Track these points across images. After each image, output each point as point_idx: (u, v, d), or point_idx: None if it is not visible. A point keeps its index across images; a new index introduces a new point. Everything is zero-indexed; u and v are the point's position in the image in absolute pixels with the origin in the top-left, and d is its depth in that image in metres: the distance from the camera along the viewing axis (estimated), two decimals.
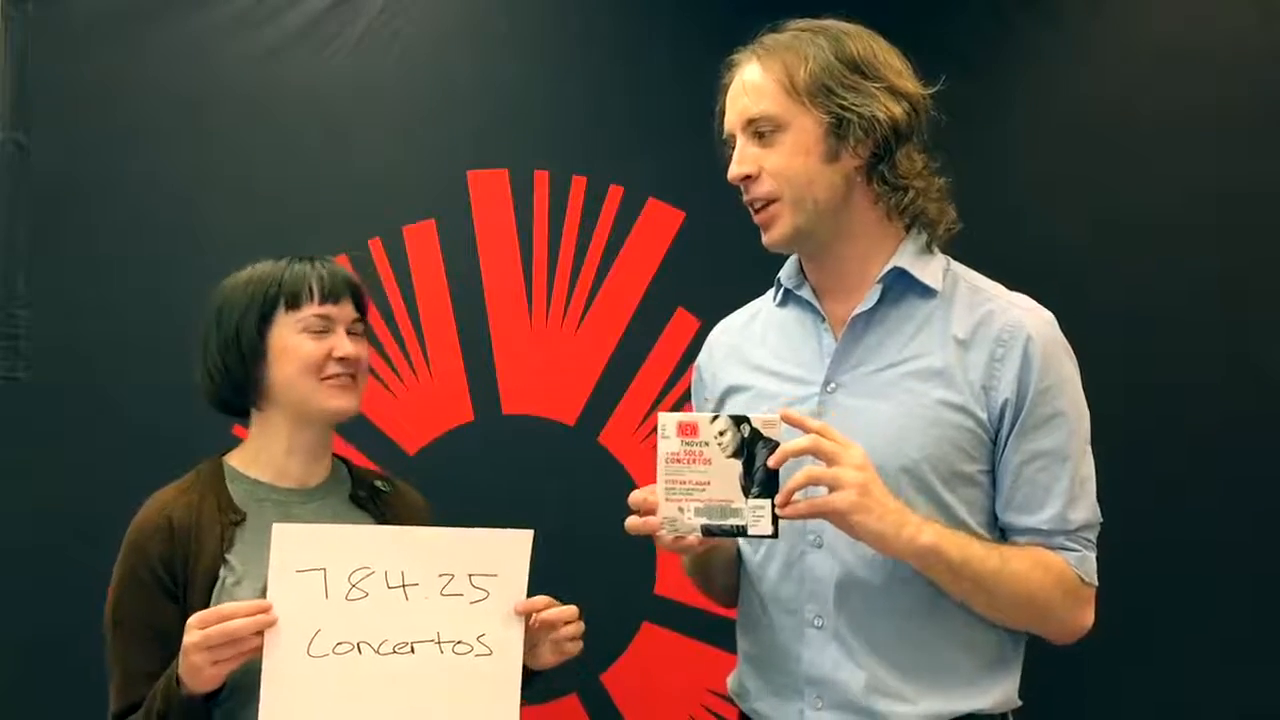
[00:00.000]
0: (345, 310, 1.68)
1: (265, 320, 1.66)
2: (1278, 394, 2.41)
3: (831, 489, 1.37)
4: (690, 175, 2.44)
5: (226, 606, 1.45)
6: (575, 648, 1.60)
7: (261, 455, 1.69)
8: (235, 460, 1.70)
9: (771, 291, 1.68)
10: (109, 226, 2.41)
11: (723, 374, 1.66)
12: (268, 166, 2.45)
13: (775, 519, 1.38)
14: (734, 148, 1.54)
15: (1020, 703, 1.54)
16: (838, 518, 1.38)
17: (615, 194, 2.50)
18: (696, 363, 1.74)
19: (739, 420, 1.39)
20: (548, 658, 1.59)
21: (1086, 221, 2.46)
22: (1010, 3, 2.49)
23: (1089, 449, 1.51)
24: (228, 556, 1.59)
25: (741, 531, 1.38)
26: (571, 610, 1.58)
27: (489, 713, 1.51)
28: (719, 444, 1.39)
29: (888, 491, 1.40)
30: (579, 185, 2.49)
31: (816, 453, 1.37)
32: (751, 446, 1.38)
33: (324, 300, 1.66)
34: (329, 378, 1.65)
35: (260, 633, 1.44)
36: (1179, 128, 2.46)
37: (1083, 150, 2.48)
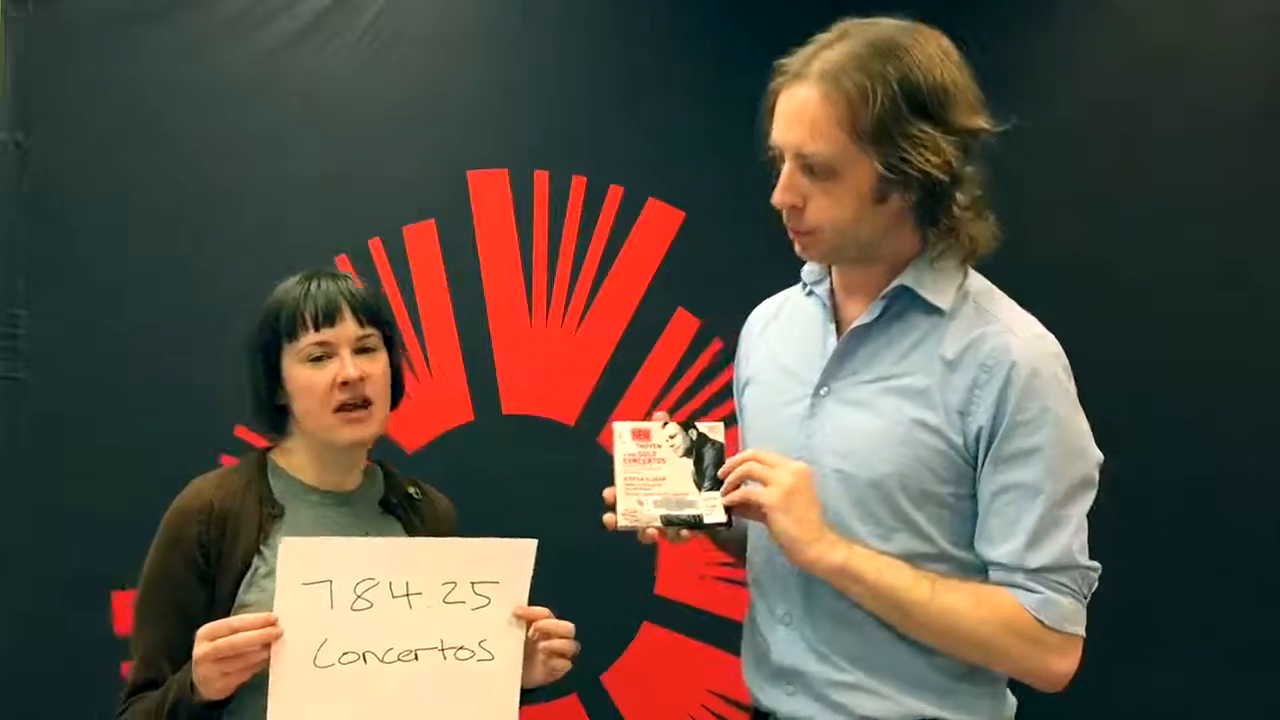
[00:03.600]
0: (345, 330, 1.64)
1: (272, 355, 1.66)
2: (1276, 396, 2.41)
3: (763, 485, 1.44)
4: (690, 175, 2.46)
5: (235, 620, 1.46)
6: (563, 665, 1.59)
7: (296, 460, 1.71)
8: (278, 456, 1.72)
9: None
10: (109, 227, 2.41)
11: (749, 362, 1.69)
12: (267, 166, 2.45)
13: (729, 508, 1.48)
14: (778, 158, 1.46)
15: (1011, 716, 1.53)
16: (760, 513, 1.45)
17: (615, 194, 2.50)
18: (740, 340, 1.76)
19: (687, 425, 1.53)
20: (537, 672, 1.59)
21: (1086, 222, 2.45)
22: (1011, 2, 2.50)
23: (1082, 493, 1.43)
24: (262, 548, 1.61)
25: (698, 520, 1.48)
26: (568, 626, 1.59)
27: (491, 715, 1.53)
28: (671, 445, 1.52)
29: (814, 507, 1.43)
30: (579, 185, 2.49)
31: (756, 462, 1.46)
32: (700, 447, 1.52)
33: (319, 326, 1.63)
34: (340, 409, 1.64)
35: (267, 645, 1.44)
36: (1179, 127, 2.46)
37: (1082, 150, 2.47)
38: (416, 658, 1.50)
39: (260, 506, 1.64)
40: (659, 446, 1.52)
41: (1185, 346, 2.42)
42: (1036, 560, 1.41)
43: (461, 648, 1.52)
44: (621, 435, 1.53)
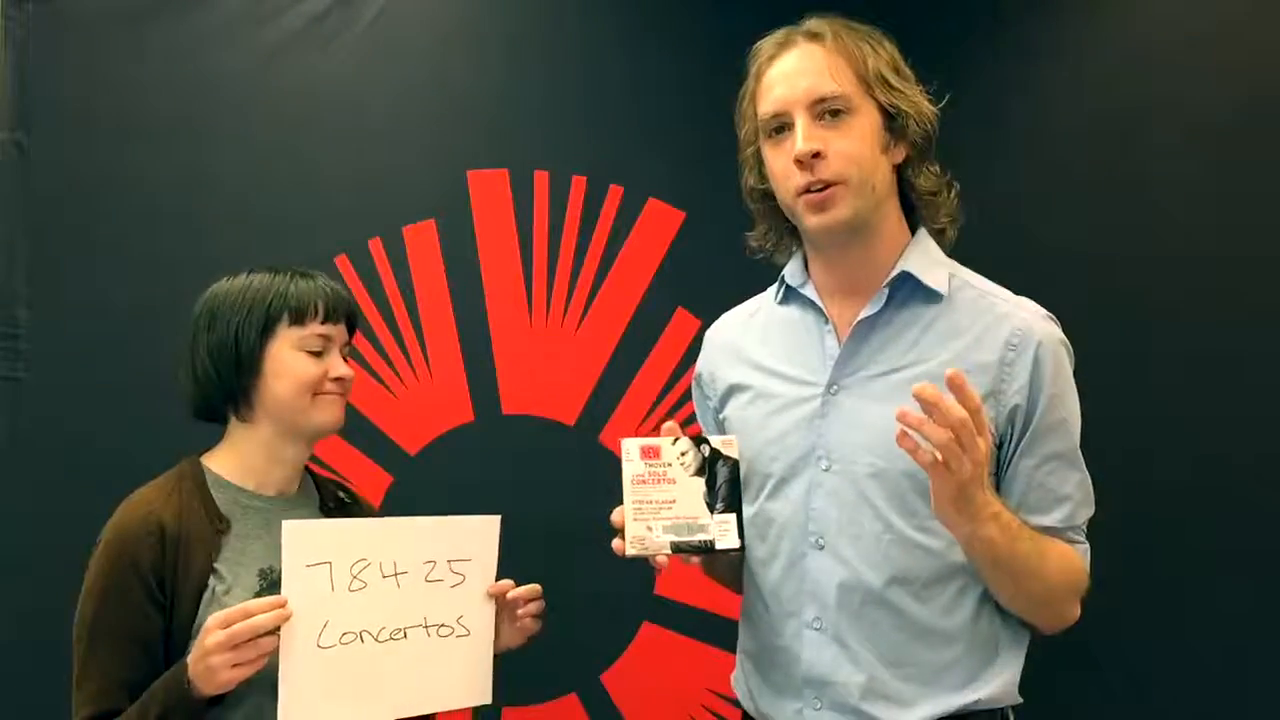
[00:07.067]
0: (341, 331, 1.71)
1: (266, 332, 1.65)
2: (1274, 395, 2.41)
3: (966, 451, 1.30)
4: (690, 175, 2.46)
5: (249, 604, 1.47)
6: (535, 625, 1.66)
7: (243, 462, 1.68)
8: (215, 465, 1.69)
9: (773, 289, 1.68)
10: (109, 226, 2.41)
11: (722, 373, 1.66)
12: (268, 166, 2.45)
13: (741, 532, 1.42)
14: (787, 128, 1.51)
15: (1021, 700, 1.54)
16: (952, 481, 1.32)
17: (615, 194, 2.50)
18: (696, 365, 1.74)
19: (699, 441, 1.45)
20: (511, 638, 1.66)
21: (1085, 222, 2.45)
22: (1010, 2, 2.49)
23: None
24: (216, 566, 1.59)
25: (710, 546, 1.42)
26: (534, 588, 1.65)
27: (469, 689, 1.60)
28: (682, 464, 1.44)
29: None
30: (579, 185, 2.49)
31: (967, 430, 1.30)
32: (713, 465, 1.43)
33: (326, 319, 1.67)
34: (322, 394, 1.67)
35: (275, 632, 1.46)
36: (1179, 126, 2.46)
37: (1081, 150, 2.47)
38: (405, 636, 1.55)
39: (209, 524, 1.61)
40: (669, 465, 1.44)
41: (1183, 345, 2.42)
42: (1081, 517, 1.52)
43: (443, 625, 1.58)
44: (630, 454, 1.45)
